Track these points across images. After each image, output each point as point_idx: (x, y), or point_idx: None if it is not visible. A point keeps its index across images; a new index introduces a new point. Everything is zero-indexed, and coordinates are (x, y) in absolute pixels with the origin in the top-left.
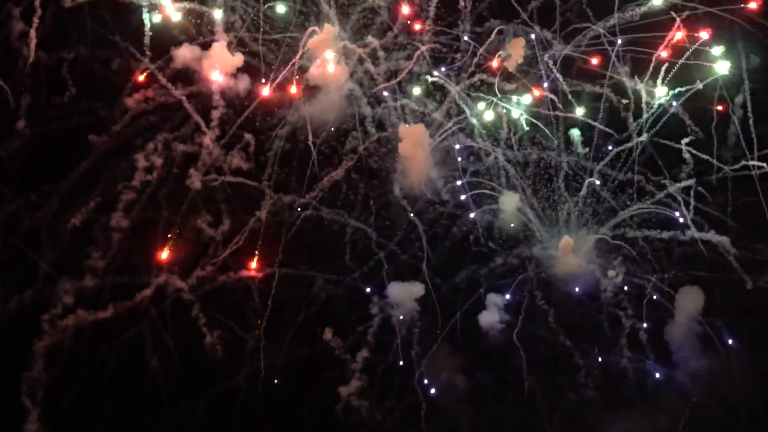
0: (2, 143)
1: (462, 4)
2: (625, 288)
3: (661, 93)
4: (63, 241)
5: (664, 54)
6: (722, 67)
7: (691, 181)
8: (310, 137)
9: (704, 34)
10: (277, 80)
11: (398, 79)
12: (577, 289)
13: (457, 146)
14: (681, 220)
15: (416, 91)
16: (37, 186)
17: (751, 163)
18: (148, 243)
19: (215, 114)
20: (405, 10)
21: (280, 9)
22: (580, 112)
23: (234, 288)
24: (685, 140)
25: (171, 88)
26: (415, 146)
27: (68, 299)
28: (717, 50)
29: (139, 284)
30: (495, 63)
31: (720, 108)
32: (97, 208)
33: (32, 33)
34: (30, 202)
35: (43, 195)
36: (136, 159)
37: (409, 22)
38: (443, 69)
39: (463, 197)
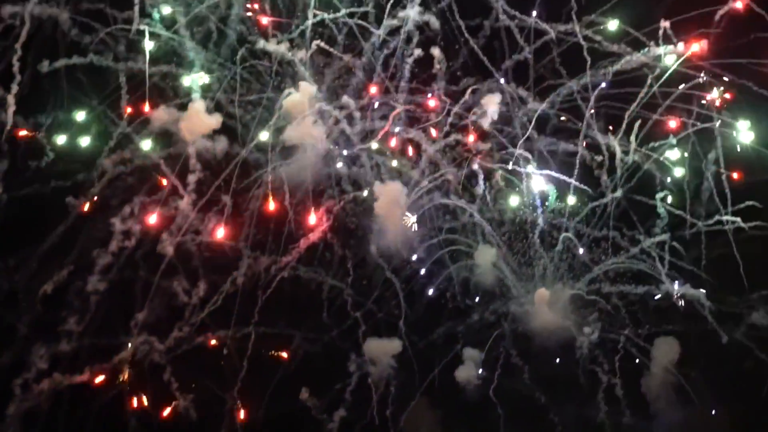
0: None
1: (437, 65)
2: (601, 343)
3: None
4: (38, 304)
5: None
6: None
7: (665, 236)
8: (287, 198)
9: None
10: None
11: (374, 138)
12: (552, 344)
13: (432, 204)
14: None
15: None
16: (14, 249)
17: (724, 218)
18: (125, 305)
19: (192, 177)
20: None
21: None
22: (555, 169)
23: (211, 348)
24: (660, 195)
25: (148, 153)
26: (391, 204)
27: (43, 364)
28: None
29: (116, 346)
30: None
31: None
32: (73, 272)
33: (10, 99)
34: (7, 266)
35: (20, 258)
36: (113, 222)
37: (384, 82)
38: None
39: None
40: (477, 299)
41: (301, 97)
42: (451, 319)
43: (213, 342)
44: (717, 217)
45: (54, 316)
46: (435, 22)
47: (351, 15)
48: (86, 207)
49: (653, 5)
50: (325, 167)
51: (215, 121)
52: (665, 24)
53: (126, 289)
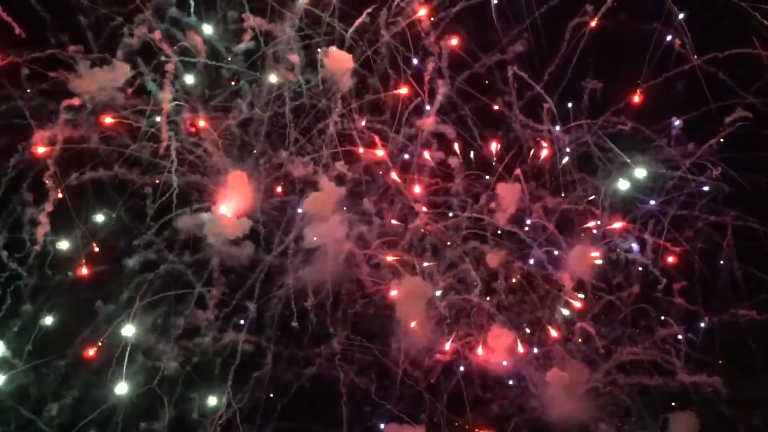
0: None
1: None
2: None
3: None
4: None
5: None
6: None
7: (680, 330)
8: (311, 299)
9: None
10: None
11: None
12: None
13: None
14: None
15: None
16: None
17: (740, 312)
18: None
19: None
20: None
21: None
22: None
23: None
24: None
25: (174, 260)
26: (412, 302)
27: None
28: None
29: None
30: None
31: None
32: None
33: (42, 217)
34: None
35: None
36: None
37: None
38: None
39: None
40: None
41: (324, 197)
42: (471, 410)
43: None
44: (732, 311)
45: None
46: (451, 132)
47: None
48: None
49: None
50: (346, 268)
51: (244, 224)
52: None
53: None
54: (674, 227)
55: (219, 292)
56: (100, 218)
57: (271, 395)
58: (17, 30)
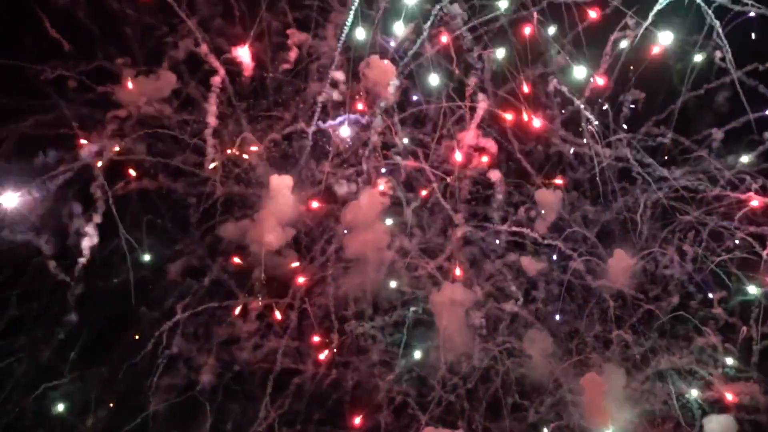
0: None
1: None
2: None
3: None
4: None
5: None
6: None
7: (718, 340)
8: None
9: None
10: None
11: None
12: None
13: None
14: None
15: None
16: None
17: None
18: None
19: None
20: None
21: None
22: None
23: None
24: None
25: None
26: (451, 310)
27: None
28: None
29: None
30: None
31: None
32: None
33: (89, 229)
34: None
35: None
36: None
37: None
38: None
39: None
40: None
41: (366, 207)
42: (509, 416)
43: None
44: None
45: None
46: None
47: None
48: None
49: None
50: (386, 277)
51: (288, 233)
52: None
53: None
54: (713, 238)
55: (261, 303)
56: (145, 227)
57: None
58: (66, 46)
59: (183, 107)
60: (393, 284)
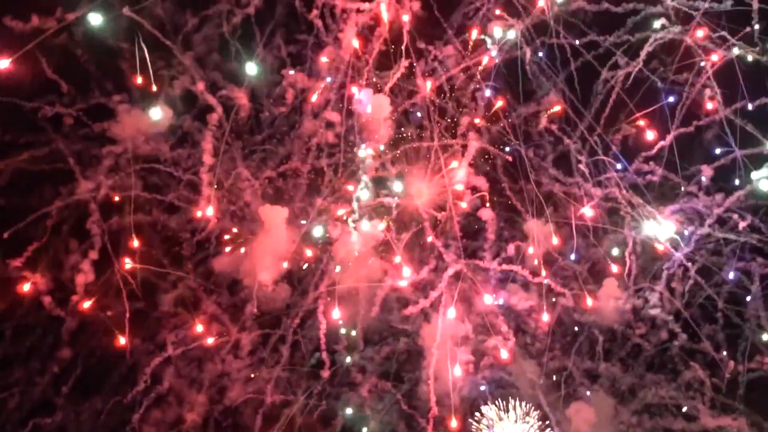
0: None
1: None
2: None
3: None
4: None
5: None
6: None
7: (705, 375)
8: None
9: None
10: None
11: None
12: None
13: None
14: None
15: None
16: None
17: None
18: None
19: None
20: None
21: None
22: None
23: None
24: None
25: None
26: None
27: None
28: None
29: None
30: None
31: None
32: None
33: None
34: None
35: None
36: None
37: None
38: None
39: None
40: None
41: (359, 243)
42: None
43: None
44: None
45: None
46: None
47: None
48: None
49: None
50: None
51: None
52: None
53: None
54: (702, 274)
55: (251, 340)
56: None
57: None
58: (64, 87)
59: (179, 143)
60: (384, 318)
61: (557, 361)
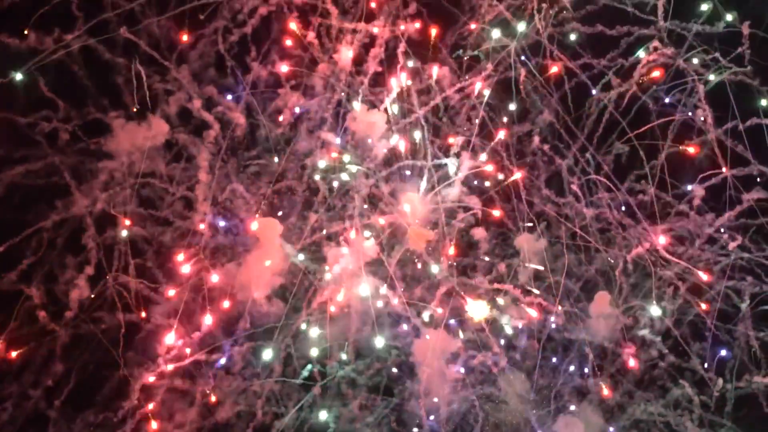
0: None
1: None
2: None
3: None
4: None
5: None
6: None
7: (693, 392)
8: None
9: None
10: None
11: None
12: None
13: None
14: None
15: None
16: None
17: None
18: None
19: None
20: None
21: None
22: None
23: None
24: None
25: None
26: (433, 357)
27: None
28: None
29: None
30: None
31: None
32: None
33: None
34: None
35: None
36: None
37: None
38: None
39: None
40: None
41: (352, 258)
42: None
43: None
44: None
45: None
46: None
47: None
48: None
49: None
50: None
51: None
52: None
53: None
54: (692, 291)
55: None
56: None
57: None
58: (60, 105)
59: (175, 158)
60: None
61: (546, 378)
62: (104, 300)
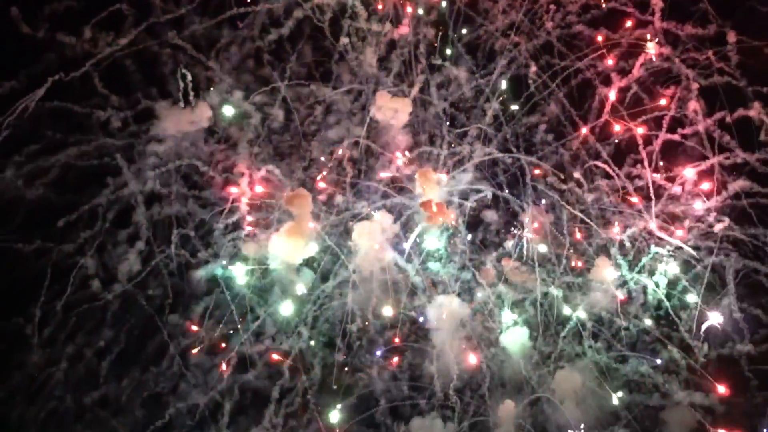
0: None
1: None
2: None
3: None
4: None
5: None
6: None
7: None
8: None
9: None
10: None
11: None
12: None
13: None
14: None
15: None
16: None
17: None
18: None
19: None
20: None
21: None
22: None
23: None
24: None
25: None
26: (445, 321)
27: None
28: None
29: None
30: None
31: None
32: None
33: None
34: None
35: None
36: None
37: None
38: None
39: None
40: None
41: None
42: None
43: None
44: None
45: None
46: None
47: None
48: None
49: None
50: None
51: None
52: None
53: None
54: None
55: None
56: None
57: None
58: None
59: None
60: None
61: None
62: (150, 271)
